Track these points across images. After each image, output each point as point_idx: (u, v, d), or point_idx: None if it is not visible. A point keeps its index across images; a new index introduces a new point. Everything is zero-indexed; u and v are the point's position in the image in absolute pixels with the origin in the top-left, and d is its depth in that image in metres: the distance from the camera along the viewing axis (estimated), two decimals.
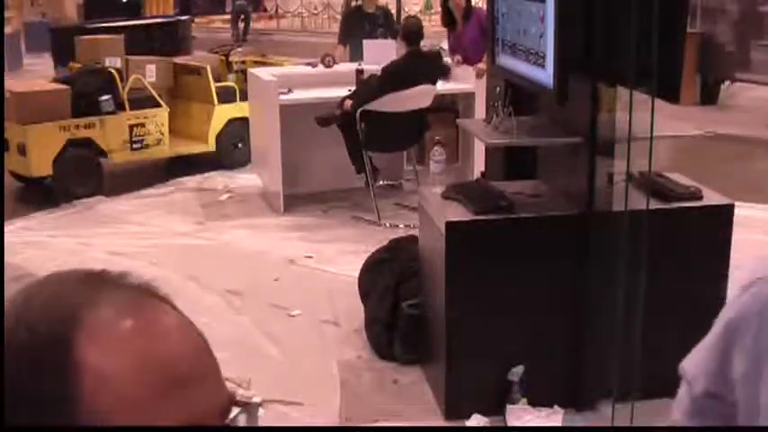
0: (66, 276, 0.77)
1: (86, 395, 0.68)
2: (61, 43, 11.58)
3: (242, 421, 0.75)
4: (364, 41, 7.85)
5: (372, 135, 6.69)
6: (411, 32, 6.99)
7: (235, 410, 0.76)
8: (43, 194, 7.65)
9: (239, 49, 9.47)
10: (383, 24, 8.60)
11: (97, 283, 0.75)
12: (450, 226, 3.83)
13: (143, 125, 8.09)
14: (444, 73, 6.95)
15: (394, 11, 17.31)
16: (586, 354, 3.90)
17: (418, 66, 6.79)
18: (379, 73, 6.87)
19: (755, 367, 1.27)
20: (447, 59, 7.50)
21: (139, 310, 0.73)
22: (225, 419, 0.74)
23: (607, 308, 3.65)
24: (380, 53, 7.15)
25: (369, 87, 6.85)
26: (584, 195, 3.82)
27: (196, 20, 22.32)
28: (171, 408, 0.70)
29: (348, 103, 6.74)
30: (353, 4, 11.55)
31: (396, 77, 6.63)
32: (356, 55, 7.98)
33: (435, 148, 6.52)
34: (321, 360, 4.58)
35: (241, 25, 20.94)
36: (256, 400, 0.78)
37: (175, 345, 0.73)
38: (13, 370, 0.69)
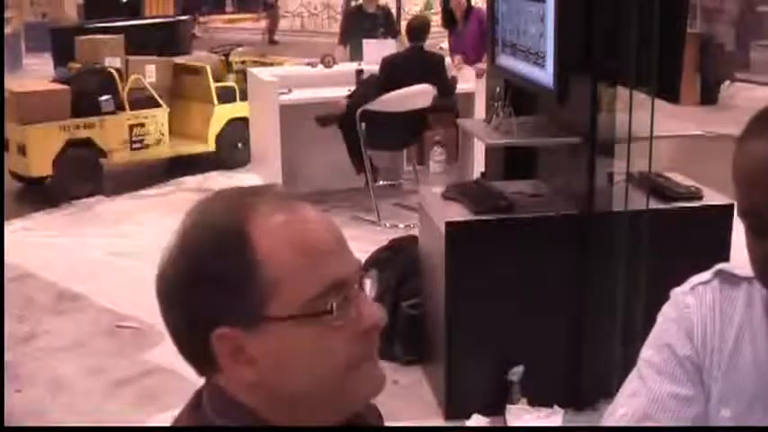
0: (232, 191, 1.04)
1: (263, 273, 0.95)
2: (61, 43, 11.55)
3: (368, 283, 1.03)
4: (364, 41, 7.84)
5: (373, 134, 6.69)
6: (415, 29, 6.99)
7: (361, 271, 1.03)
8: (43, 194, 7.65)
9: (239, 49, 9.46)
10: (383, 24, 8.59)
11: (257, 192, 1.02)
12: (450, 226, 3.83)
13: (143, 125, 8.09)
14: (447, 87, 6.85)
15: (394, 11, 17.33)
16: (586, 354, 3.90)
17: (419, 62, 6.78)
18: (378, 72, 6.87)
19: (707, 365, 1.29)
20: (447, 60, 7.48)
21: (290, 208, 1.00)
22: (358, 280, 1.01)
23: (607, 308, 3.65)
24: (380, 53, 7.14)
25: (367, 86, 6.85)
26: (585, 195, 3.82)
27: (201, 19, 22.33)
28: (323, 271, 0.97)
29: (342, 102, 6.75)
30: (353, 3, 11.53)
31: (395, 70, 6.62)
32: (356, 55, 7.98)
33: (435, 148, 6.54)
34: None
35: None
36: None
37: (318, 228, 1.00)
38: (200, 259, 0.97)
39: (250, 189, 1.04)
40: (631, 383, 1.34)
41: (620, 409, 1.33)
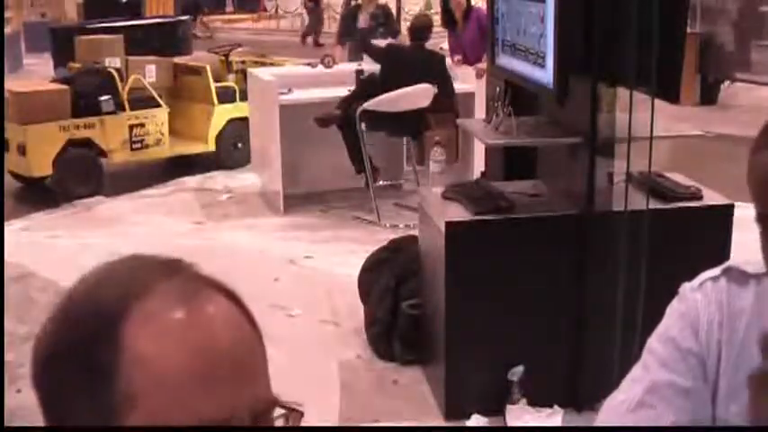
0: (135, 260, 0.83)
1: (124, 373, 0.74)
2: (61, 43, 11.56)
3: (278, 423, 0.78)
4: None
5: (373, 121, 6.68)
6: (417, 28, 6.99)
7: (277, 413, 0.78)
8: (43, 194, 7.65)
9: (239, 49, 9.47)
10: (383, 24, 8.56)
11: (160, 270, 0.80)
12: (451, 226, 3.83)
13: (143, 125, 8.09)
14: (448, 87, 6.84)
15: (394, 11, 17.30)
16: (586, 354, 3.90)
17: (421, 60, 6.78)
18: (377, 73, 6.87)
19: (711, 363, 1.29)
20: (447, 60, 7.48)
21: (191, 302, 0.77)
22: (257, 422, 0.76)
23: (607, 308, 3.65)
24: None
25: (365, 86, 6.86)
26: (584, 195, 3.82)
27: (204, 19, 22.31)
28: (203, 400, 0.73)
29: (335, 113, 6.76)
30: (353, 3, 11.51)
31: (397, 64, 6.63)
32: (355, 55, 7.95)
33: (435, 148, 6.53)
34: (321, 360, 4.58)
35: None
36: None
37: (217, 340, 0.76)
38: (69, 336, 0.77)
39: (161, 264, 0.82)
40: (634, 372, 1.36)
41: (620, 396, 1.35)
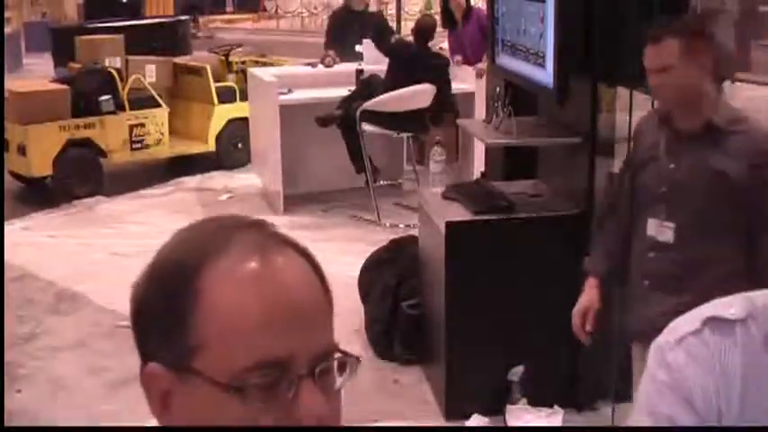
0: (212, 219, 0.93)
1: (199, 320, 0.84)
2: (61, 43, 11.58)
3: (333, 370, 0.86)
4: (364, 41, 7.75)
5: (373, 116, 6.69)
6: (421, 29, 6.98)
7: (336, 356, 0.86)
8: (43, 194, 7.65)
9: (239, 49, 9.47)
10: (375, 25, 8.29)
11: (234, 226, 0.90)
12: (450, 226, 3.83)
13: (143, 125, 8.09)
14: (447, 92, 6.83)
15: (394, 11, 17.27)
16: (586, 354, 3.90)
17: (424, 60, 6.78)
18: (378, 73, 6.86)
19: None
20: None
21: (262, 254, 0.86)
22: (315, 366, 0.84)
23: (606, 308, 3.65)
24: (380, 53, 7.13)
25: (365, 87, 6.86)
26: (585, 195, 3.82)
27: (204, 19, 22.33)
28: (264, 341, 0.82)
29: (336, 113, 6.76)
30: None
31: (405, 60, 6.64)
32: (347, 58, 7.78)
33: (435, 148, 6.53)
34: None
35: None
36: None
37: (283, 288, 0.85)
38: (154, 287, 0.88)
39: (236, 221, 0.92)
40: None
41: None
